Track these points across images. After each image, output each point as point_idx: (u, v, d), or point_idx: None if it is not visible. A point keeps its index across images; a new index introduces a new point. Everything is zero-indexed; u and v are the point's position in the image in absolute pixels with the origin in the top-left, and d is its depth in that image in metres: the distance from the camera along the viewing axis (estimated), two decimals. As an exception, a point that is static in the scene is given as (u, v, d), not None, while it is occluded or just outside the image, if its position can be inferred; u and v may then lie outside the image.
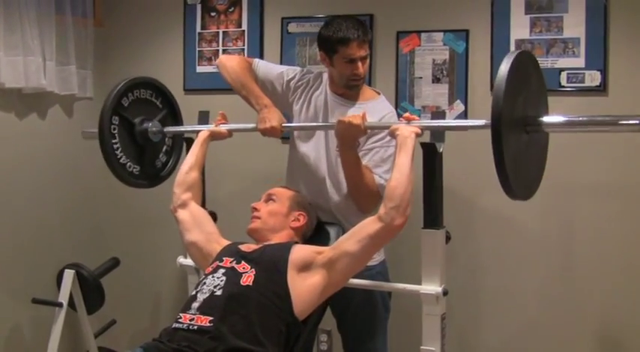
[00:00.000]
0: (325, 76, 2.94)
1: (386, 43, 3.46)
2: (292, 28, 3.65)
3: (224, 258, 2.43)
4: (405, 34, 3.42)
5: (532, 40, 3.20)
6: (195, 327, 2.19)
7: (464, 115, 3.32)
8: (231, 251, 2.48)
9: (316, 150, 2.88)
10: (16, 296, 3.57)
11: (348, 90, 2.84)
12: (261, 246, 2.48)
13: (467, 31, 3.32)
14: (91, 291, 3.48)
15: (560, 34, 3.16)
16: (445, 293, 2.48)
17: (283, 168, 3.02)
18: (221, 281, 2.31)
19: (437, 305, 2.47)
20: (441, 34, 3.36)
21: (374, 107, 2.82)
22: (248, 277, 2.30)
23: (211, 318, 2.20)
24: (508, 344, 3.34)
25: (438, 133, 2.52)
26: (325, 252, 2.35)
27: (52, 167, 3.77)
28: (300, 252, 2.39)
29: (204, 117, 3.01)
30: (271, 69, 3.03)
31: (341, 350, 3.01)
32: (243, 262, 2.37)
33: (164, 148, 3.18)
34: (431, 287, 2.47)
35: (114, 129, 2.93)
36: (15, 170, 3.57)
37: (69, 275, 3.43)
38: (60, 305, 3.40)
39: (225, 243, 2.58)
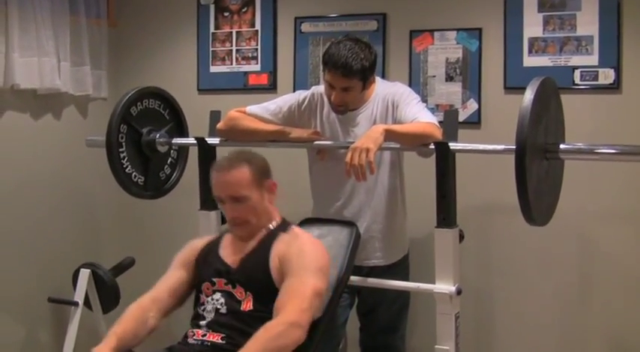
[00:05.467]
0: (322, 94, 2.86)
1: (399, 42, 3.46)
2: (305, 27, 3.65)
3: (214, 280, 2.37)
4: (418, 32, 3.42)
5: (545, 38, 3.19)
6: (209, 344, 2.21)
7: (477, 114, 3.31)
8: (217, 269, 2.39)
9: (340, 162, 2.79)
10: (32, 296, 3.60)
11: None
12: (240, 258, 2.38)
13: (480, 30, 3.31)
14: (107, 291, 3.50)
15: (573, 32, 3.15)
16: (459, 292, 2.48)
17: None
18: (221, 304, 2.31)
19: (450, 304, 2.47)
20: (454, 32, 3.35)
21: (372, 108, 2.81)
22: (247, 302, 2.29)
23: (223, 335, 2.22)
24: (522, 344, 3.32)
25: (451, 132, 2.52)
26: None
27: (68, 167, 3.79)
28: (278, 268, 2.30)
29: (215, 117, 3.01)
30: (266, 107, 2.91)
31: (349, 347, 3.04)
32: (238, 286, 2.32)
33: (169, 160, 3.19)
34: (444, 287, 2.48)
35: (121, 137, 2.94)
36: (30, 170, 3.59)
37: (84, 274, 3.45)
38: (76, 304, 3.42)
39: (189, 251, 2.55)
